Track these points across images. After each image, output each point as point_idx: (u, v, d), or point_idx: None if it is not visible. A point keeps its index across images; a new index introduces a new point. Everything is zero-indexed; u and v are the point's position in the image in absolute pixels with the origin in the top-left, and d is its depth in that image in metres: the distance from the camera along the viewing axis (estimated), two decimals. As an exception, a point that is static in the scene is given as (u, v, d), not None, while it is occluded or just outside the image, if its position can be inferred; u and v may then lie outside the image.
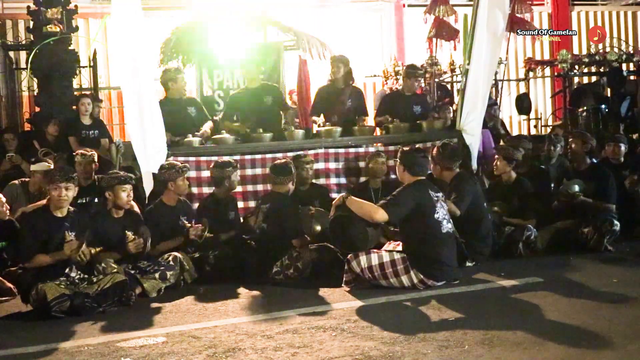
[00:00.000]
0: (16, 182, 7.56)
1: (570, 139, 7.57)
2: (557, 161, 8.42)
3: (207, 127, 7.79)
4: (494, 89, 11.63)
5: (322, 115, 8.37)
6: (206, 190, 7.28)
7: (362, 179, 7.73)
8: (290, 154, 7.35)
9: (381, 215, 5.63)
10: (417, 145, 6.40)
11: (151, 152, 6.94)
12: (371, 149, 7.82)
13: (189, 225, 6.45)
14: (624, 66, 12.06)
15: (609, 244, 6.88)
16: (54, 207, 5.76)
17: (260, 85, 8.20)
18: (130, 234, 6.07)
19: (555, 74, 13.55)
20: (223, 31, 9.51)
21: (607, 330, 4.51)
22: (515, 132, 14.27)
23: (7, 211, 6.46)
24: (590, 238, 6.89)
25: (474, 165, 7.88)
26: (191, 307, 5.60)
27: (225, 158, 7.06)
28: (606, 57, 11.85)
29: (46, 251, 5.64)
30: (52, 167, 7.38)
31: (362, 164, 7.72)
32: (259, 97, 8.08)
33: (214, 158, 7.13)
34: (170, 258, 6.19)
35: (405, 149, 6.02)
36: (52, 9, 9.95)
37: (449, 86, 12.39)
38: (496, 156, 7.40)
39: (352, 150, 7.84)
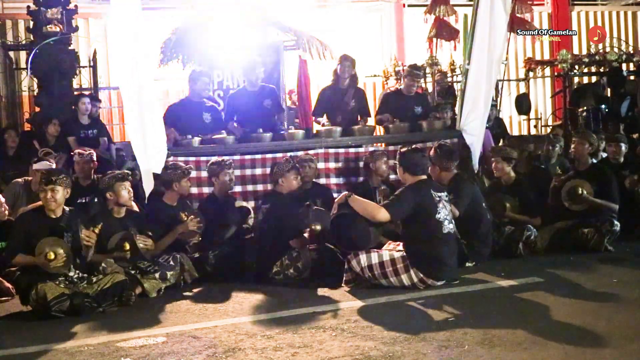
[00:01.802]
0: (19, 180, 7.53)
1: (574, 139, 7.55)
2: (556, 161, 8.41)
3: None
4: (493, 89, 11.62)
5: (325, 116, 8.37)
6: (206, 190, 7.29)
7: (361, 179, 7.71)
8: (290, 154, 7.35)
9: (383, 215, 5.63)
10: (414, 145, 6.35)
11: (151, 152, 6.94)
12: (371, 149, 7.80)
13: (187, 218, 6.44)
14: (624, 66, 12.05)
15: (609, 244, 6.88)
16: (47, 209, 5.78)
17: (259, 87, 8.18)
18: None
19: (555, 74, 13.55)
20: (223, 31, 9.51)
21: (607, 330, 4.51)
22: (515, 132, 14.29)
23: (7, 212, 6.45)
24: (590, 238, 6.88)
25: (476, 165, 7.86)
26: (191, 307, 5.60)
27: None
28: (606, 57, 11.84)
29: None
30: (54, 166, 7.38)
31: (362, 164, 7.71)
32: (258, 101, 8.07)
33: (215, 158, 7.12)
34: (170, 258, 6.19)
35: (404, 149, 6.01)
36: (52, 9, 9.97)
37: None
38: (493, 158, 7.37)
39: (352, 150, 7.83)
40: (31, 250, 5.61)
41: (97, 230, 5.76)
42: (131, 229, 6.10)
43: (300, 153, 7.42)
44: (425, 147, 7.36)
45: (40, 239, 5.61)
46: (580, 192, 7.00)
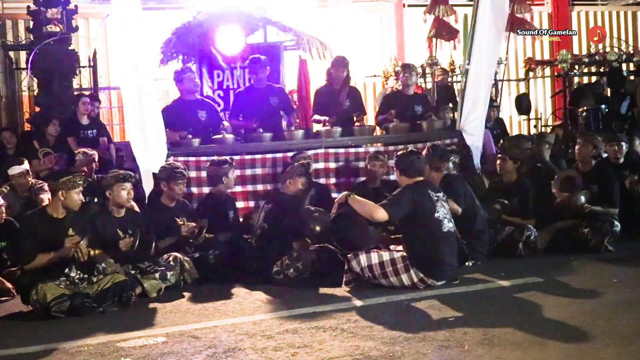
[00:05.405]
0: (3, 189, 7.37)
1: (579, 141, 7.54)
2: (554, 162, 8.40)
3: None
4: (493, 89, 11.63)
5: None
6: (206, 190, 7.27)
7: (361, 179, 7.70)
8: (290, 154, 7.36)
9: (382, 214, 5.64)
10: (410, 147, 6.33)
11: (151, 152, 6.94)
12: (371, 149, 7.80)
13: (181, 222, 6.44)
14: (624, 66, 12.06)
15: (609, 244, 6.87)
16: (53, 209, 5.77)
17: (266, 86, 8.18)
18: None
19: (555, 74, 13.56)
20: (223, 31, 9.51)
21: (607, 330, 4.51)
22: (515, 132, 14.29)
23: (3, 214, 6.43)
24: (591, 238, 6.88)
25: (477, 165, 7.86)
26: (191, 307, 5.60)
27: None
28: (606, 57, 11.85)
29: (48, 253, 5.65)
30: (26, 167, 7.29)
31: (361, 164, 7.71)
32: (264, 98, 8.08)
33: (222, 157, 7.10)
34: (170, 258, 6.19)
35: (400, 152, 6.03)
36: (52, 9, 9.97)
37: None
38: (499, 156, 7.36)
39: (352, 150, 7.84)
40: (40, 252, 5.63)
41: (92, 253, 5.75)
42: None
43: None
44: (422, 149, 7.35)
45: (48, 238, 5.64)
46: (581, 203, 6.95)
